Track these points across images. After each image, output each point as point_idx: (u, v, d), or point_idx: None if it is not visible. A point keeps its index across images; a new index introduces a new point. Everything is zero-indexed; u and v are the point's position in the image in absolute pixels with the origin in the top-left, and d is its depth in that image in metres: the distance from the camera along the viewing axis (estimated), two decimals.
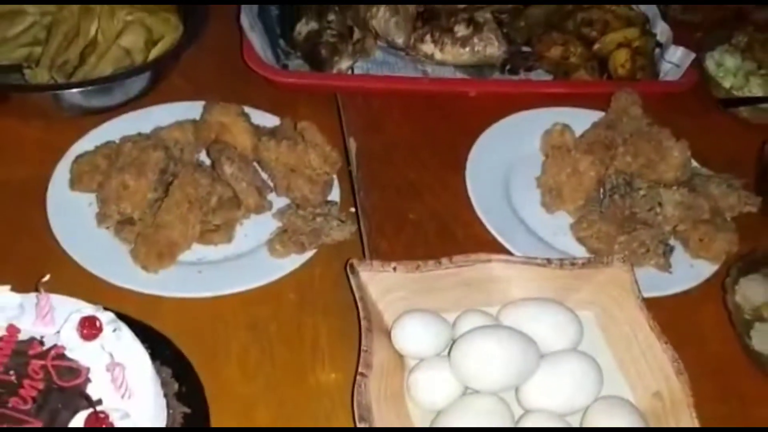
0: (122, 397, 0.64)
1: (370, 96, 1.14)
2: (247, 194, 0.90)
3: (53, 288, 0.70)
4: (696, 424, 0.75)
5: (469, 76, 1.20)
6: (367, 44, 1.19)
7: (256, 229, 0.92)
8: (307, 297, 0.89)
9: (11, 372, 0.64)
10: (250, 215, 0.92)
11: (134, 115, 1.02)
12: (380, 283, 0.83)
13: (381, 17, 1.19)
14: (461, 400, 0.75)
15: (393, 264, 0.83)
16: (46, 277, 0.68)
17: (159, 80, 1.07)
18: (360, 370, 0.74)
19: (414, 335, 0.79)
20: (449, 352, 0.78)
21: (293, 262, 0.89)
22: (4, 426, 0.61)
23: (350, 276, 0.81)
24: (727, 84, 1.19)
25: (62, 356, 0.65)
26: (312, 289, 0.90)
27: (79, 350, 0.66)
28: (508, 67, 1.21)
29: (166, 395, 0.72)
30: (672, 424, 0.77)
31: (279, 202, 0.95)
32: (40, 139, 1.00)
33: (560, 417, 0.76)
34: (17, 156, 0.98)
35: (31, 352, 0.65)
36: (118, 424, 0.61)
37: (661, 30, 1.26)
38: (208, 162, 0.97)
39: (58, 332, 0.66)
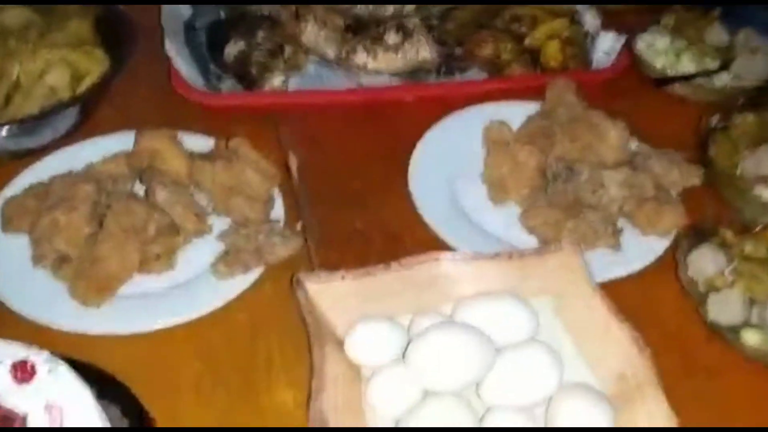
0: None
1: (307, 111, 1.12)
2: (185, 219, 0.88)
3: None
4: (664, 401, 0.74)
5: (403, 81, 1.20)
6: (299, 59, 1.18)
7: (199, 254, 0.90)
8: (258, 317, 0.87)
9: None
10: (191, 240, 0.90)
11: (65, 152, 0.99)
12: (330, 294, 0.81)
13: (310, 32, 1.18)
14: (421, 403, 0.73)
15: (341, 273, 0.81)
16: None
17: (88, 114, 1.04)
18: (313, 385, 0.72)
19: (367, 343, 0.77)
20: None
21: (241, 283, 0.87)
22: None
23: (297, 290, 0.80)
24: (659, 64, 1.21)
25: None
26: (263, 308, 0.88)
27: (13, 396, 0.63)
28: (443, 69, 1.21)
29: None
30: (639, 405, 0.76)
31: (221, 223, 0.93)
32: None
33: (524, 410, 0.74)
34: None
35: None
36: None
37: (590, 20, 1.27)
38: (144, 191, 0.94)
39: None
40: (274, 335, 0.85)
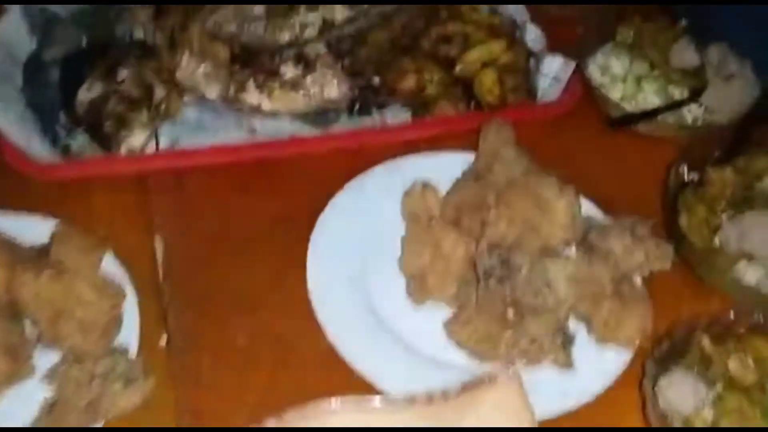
0: None
1: (183, 174, 0.89)
2: None
3: None
4: None
5: (309, 125, 0.97)
6: (173, 104, 0.94)
7: (20, 403, 0.68)
8: None
9: None
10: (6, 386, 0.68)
11: None
12: None
13: (186, 67, 0.95)
14: None
15: None
16: None
17: None
18: None
19: None
20: None
21: None
22: None
23: None
24: (616, 94, 1.00)
25: None
26: None
27: None
28: (356, 107, 0.99)
29: None
30: None
31: (52, 356, 0.70)
32: None
33: None
34: None
35: None
36: None
37: (534, 36, 1.05)
38: None
39: None
40: None
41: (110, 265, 0.77)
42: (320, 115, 0.97)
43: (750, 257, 0.80)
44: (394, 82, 0.98)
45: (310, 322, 0.76)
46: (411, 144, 0.94)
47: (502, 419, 0.65)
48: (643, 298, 0.77)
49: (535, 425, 0.65)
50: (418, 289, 0.77)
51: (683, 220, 0.83)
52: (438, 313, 0.77)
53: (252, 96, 0.95)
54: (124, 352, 0.69)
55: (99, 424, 0.66)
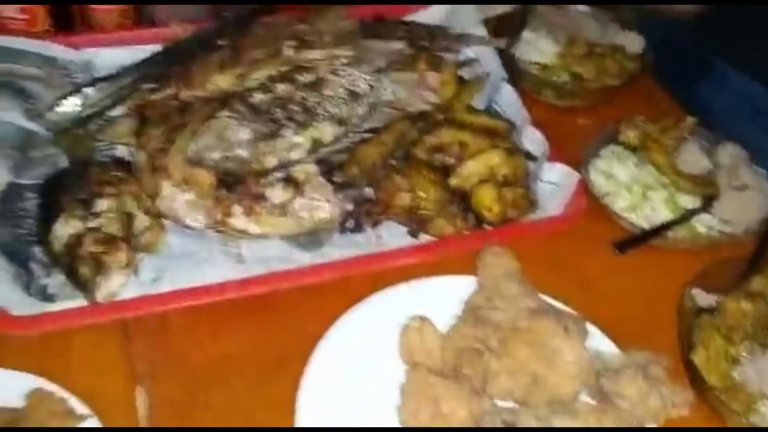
0: None
1: (165, 315, 0.84)
2: None
3: None
4: None
5: (299, 248, 0.92)
6: (154, 236, 0.89)
7: None
8: None
9: None
10: None
11: None
12: None
13: (167, 197, 0.90)
14: None
15: None
16: None
17: None
18: None
19: None
20: None
21: None
22: None
23: None
24: (622, 204, 0.95)
25: None
26: None
27: None
28: (349, 224, 0.94)
29: None
30: None
31: None
32: None
33: None
34: None
35: None
36: None
37: (531, 139, 1.01)
38: None
39: None
40: None
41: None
42: (311, 236, 0.93)
43: None
44: (388, 200, 0.93)
45: None
46: (408, 268, 0.89)
47: None
48: None
49: None
50: None
51: (699, 357, 0.77)
52: None
53: (239, 221, 0.91)
54: None
55: None
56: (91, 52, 1.08)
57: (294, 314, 0.85)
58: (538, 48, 1.15)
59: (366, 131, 0.97)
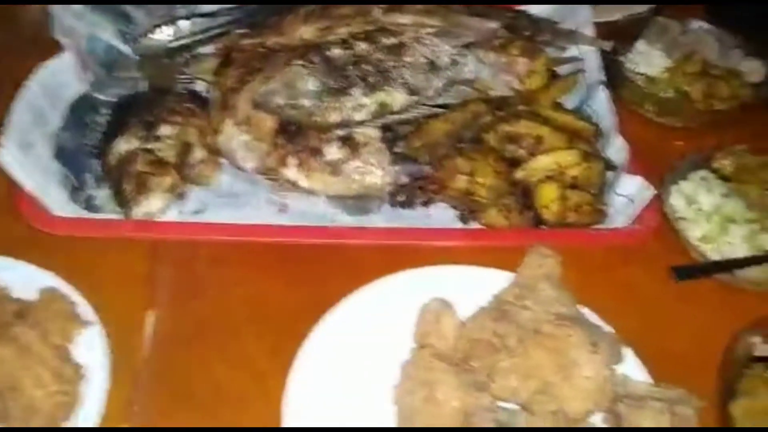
0: None
1: (196, 247, 0.84)
2: None
3: None
4: None
5: (345, 211, 0.90)
6: (207, 170, 0.89)
7: None
8: None
9: None
10: None
11: None
12: None
13: (228, 134, 0.90)
14: None
15: None
16: None
17: None
18: None
19: None
20: None
21: None
22: None
23: None
24: (696, 233, 0.86)
25: None
26: None
27: None
28: (399, 198, 0.90)
29: None
30: None
31: None
32: None
33: None
34: None
35: None
36: None
37: (617, 148, 0.93)
38: None
39: None
40: None
41: (92, 337, 0.73)
42: (359, 201, 0.90)
43: None
44: (444, 180, 0.89)
45: None
46: (449, 251, 0.84)
47: None
48: None
49: None
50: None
51: (739, 408, 0.69)
52: None
53: (291, 172, 0.89)
54: None
55: None
56: None
57: (323, 274, 0.83)
58: (648, 59, 1.07)
59: (438, 106, 0.93)
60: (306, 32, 0.95)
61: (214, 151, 0.91)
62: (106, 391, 0.70)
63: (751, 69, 1.06)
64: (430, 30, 0.93)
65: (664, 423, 0.66)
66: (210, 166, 0.90)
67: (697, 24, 1.11)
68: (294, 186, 0.90)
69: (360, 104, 0.89)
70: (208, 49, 1.03)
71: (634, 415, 0.67)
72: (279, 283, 0.82)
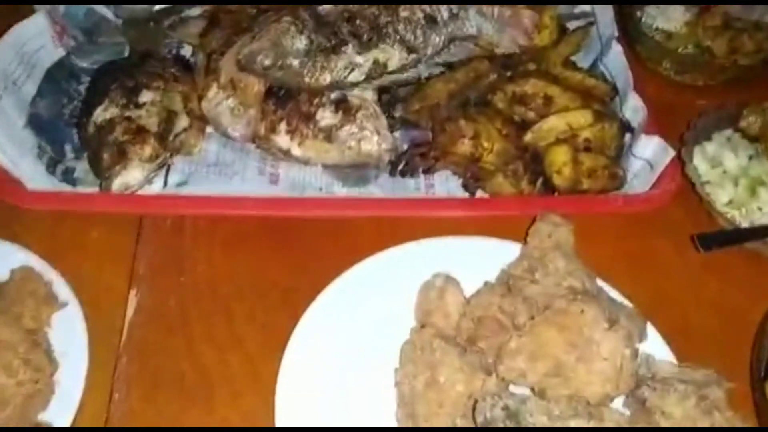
0: None
1: (182, 221, 0.78)
2: None
3: None
4: None
5: (340, 180, 0.84)
6: (192, 139, 0.83)
7: None
8: None
9: None
10: None
11: None
12: None
13: (212, 98, 0.84)
14: None
15: None
16: None
17: None
18: None
19: None
20: None
21: None
22: None
23: None
24: (723, 197, 0.80)
25: None
26: None
27: None
28: (400, 167, 0.84)
29: None
30: None
31: None
32: None
33: None
34: None
35: None
36: None
37: (633, 108, 0.86)
38: None
39: None
40: None
41: (69, 319, 0.68)
42: (356, 170, 0.84)
43: None
44: (447, 145, 0.82)
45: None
46: (453, 222, 0.78)
47: None
48: None
49: None
50: (405, 414, 0.62)
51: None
52: None
53: (282, 139, 0.83)
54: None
55: None
56: None
57: (317, 248, 0.77)
58: (665, 13, 1.00)
59: (438, 65, 0.86)
60: None
61: (200, 119, 0.85)
62: (85, 378, 0.64)
63: None
64: None
65: (693, 408, 0.60)
66: (195, 134, 0.84)
67: None
68: (286, 154, 0.83)
69: (353, 63, 0.82)
70: (195, 11, 0.97)
71: (659, 400, 0.61)
72: (271, 259, 0.76)
